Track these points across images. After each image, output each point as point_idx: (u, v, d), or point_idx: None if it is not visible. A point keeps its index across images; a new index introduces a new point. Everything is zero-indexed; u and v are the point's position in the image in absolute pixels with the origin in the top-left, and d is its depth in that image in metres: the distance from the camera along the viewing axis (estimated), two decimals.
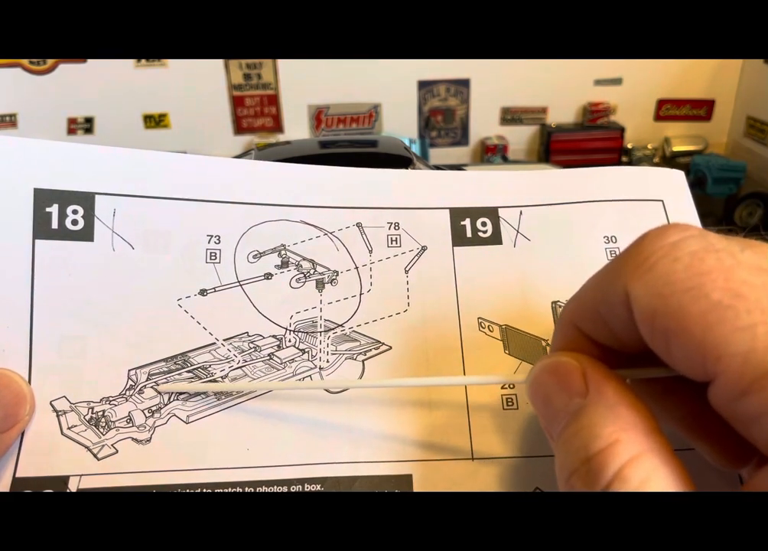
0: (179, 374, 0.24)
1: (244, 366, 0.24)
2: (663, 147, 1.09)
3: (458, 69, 1.04)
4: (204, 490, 0.22)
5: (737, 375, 0.14)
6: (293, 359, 0.25)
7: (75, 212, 0.24)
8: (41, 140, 0.25)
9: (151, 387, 0.24)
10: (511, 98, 1.07)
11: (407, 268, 0.26)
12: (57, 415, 0.23)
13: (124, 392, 0.23)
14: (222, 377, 0.24)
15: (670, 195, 0.28)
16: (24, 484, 0.22)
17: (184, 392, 0.24)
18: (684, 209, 0.27)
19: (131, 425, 0.23)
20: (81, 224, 0.24)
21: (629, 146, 1.08)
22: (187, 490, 0.22)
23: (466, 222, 0.27)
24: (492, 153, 1.08)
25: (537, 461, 0.23)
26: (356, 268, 0.26)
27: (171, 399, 0.24)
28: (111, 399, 0.23)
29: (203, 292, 0.25)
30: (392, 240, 0.26)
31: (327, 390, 0.24)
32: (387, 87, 1.05)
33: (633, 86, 1.06)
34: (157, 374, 0.24)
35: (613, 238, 0.27)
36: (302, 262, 0.26)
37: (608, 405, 0.17)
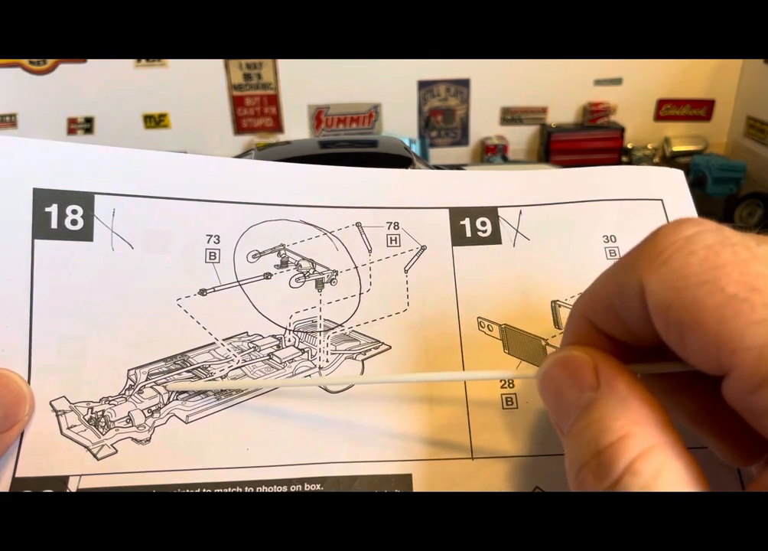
0: (178, 374, 0.24)
1: (243, 365, 0.24)
2: (663, 147, 1.09)
3: (458, 69, 1.04)
4: (204, 490, 0.22)
5: (752, 368, 0.14)
6: (292, 358, 0.25)
7: (74, 212, 0.24)
8: (41, 140, 0.25)
9: (151, 387, 0.24)
10: (511, 98, 1.07)
11: (406, 268, 0.26)
12: (57, 415, 0.23)
13: (123, 392, 0.23)
14: (221, 377, 0.24)
15: (670, 195, 0.28)
16: (23, 484, 0.22)
17: (184, 392, 0.24)
18: (683, 208, 0.27)
19: (130, 424, 0.23)
20: (80, 224, 0.24)
21: (629, 146, 1.08)
22: (187, 490, 0.22)
23: (466, 221, 0.27)
24: (492, 153, 1.08)
25: (537, 460, 0.23)
26: (356, 267, 0.26)
27: (171, 399, 0.24)
28: (110, 399, 0.23)
29: (202, 292, 0.25)
30: (391, 240, 0.26)
31: (326, 390, 0.24)
32: (387, 87, 1.05)
33: (633, 86, 1.06)
34: (156, 374, 0.24)
35: (613, 237, 0.27)
36: (302, 262, 0.26)
37: (619, 399, 0.17)
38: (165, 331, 0.24)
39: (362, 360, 0.25)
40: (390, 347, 0.25)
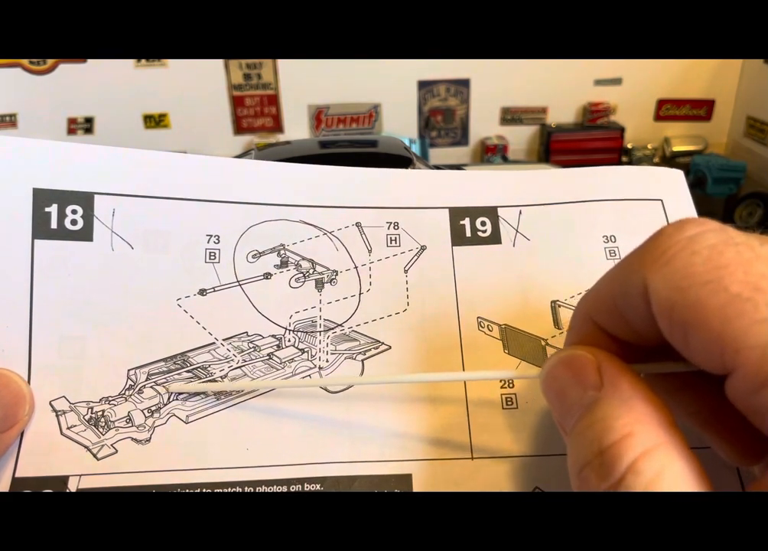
0: (178, 374, 0.24)
1: (243, 365, 0.24)
2: (663, 147, 1.09)
3: (458, 69, 1.04)
4: (204, 490, 0.22)
5: (756, 367, 0.14)
6: (292, 358, 0.25)
7: (74, 212, 0.24)
8: (40, 140, 0.25)
9: (151, 387, 0.24)
10: (511, 98, 1.07)
11: (406, 268, 0.26)
12: (57, 415, 0.23)
13: (123, 392, 0.23)
14: (221, 377, 0.24)
15: (669, 195, 0.28)
16: (23, 484, 0.22)
17: (184, 392, 0.24)
18: (683, 208, 0.27)
19: (130, 424, 0.23)
20: (80, 224, 0.24)
21: (629, 146, 1.08)
22: (187, 490, 0.22)
23: (466, 221, 0.27)
24: (492, 153, 1.08)
25: (537, 460, 0.23)
26: (356, 267, 0.26)
27: (171, 399, 0.24)
28: (110, 399, 0.23)
29: (202, 292, 0.25)
30: (391, 240, 0.26)
31: (326, 390, 0.24)
32: (387, 87, 1.05)
33: (633, 86, 1.06)
34: (156, 374, 0.24)
35: (613, 237, 0.27)
36: (301, 262, 0.26)
37: (622, 398, 0.17)
38: (165, 331, 0.24)
39: (362, 360, 0.25)
40: (390, 347, 0.25)
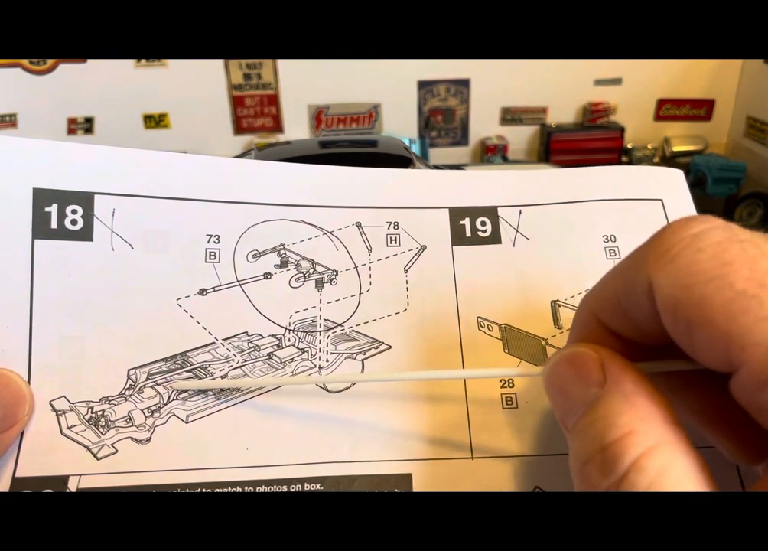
0: (178, 374, 0.24)
1: (243, 365, 0.24)
2: (663, 147, 1.09)
3: (458, 69, 1.04)
4: (204, 490, 0.22)
5: (761, 364, 0.14)
6: (292, 358, 0.25)
7: (74, 212, 0.24)
8: (40, 140, 0.25)
9: (151, 387, 0.24)
10: (511, 98, 1.07)
11: (406, 268, 0.26)
12: (57, 415, 0.23)
13: (123, 391, 0.23)
14: (221, 377, 0.24)
15: (669, 194, 0.28)
16: (23, 483, 0.22)
17: (185, 392, 0.24)
18: (683, 208, 0.27)
19: (130, 424, 0.23)
20: (80, 224, 0.24)
21: (629, 146, 1.08)
22: (187, 490, 0.22)
23: (466, 221, 0.27)
24: (492, 153, 1.08)
25: (537, 459, 0.23)
26: (356, 267, 0.26)
27: (171, 399, 0.24)
28: (110, 398, 0.23)
29: (202, 292, 0.25)
30: (391, 240, 0.26)
31: (326, 390, 0.24)
32: (387, 87, 1.05)
33: (633, 86, 1.06)
34: (156, 374, 0.24)
35: (612, 237, 0.27)
36: (301, 262, 0.26)
37: (625, 395, 0.16)
38: (165, 331, 0.24)
39: (362, 360, 0.25)
40: (390, 346, 0.25)
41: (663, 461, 0.15)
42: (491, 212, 0.27)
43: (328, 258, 0.26)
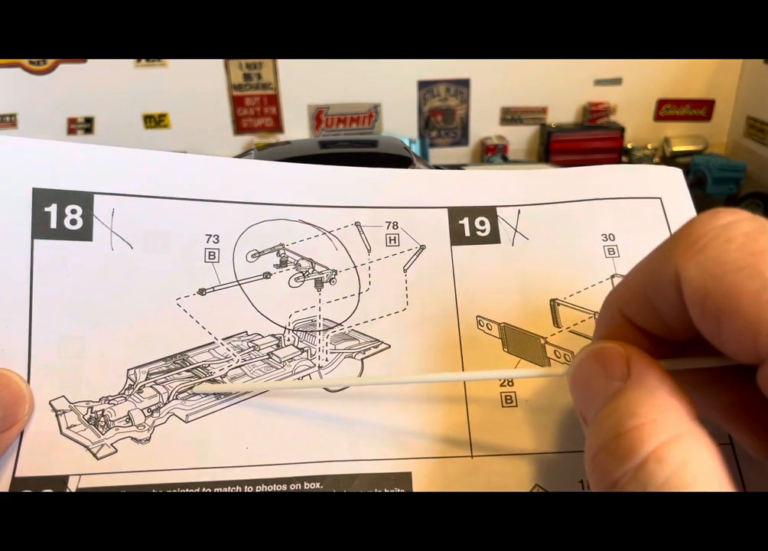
0: (178, 373, 0.24)
1: (243, 365, 0.24)
2: (663, 147, 1.09)
3: (458, 69, 1.04)
4: (204, 489, 0.22)
5: None
6: (292, 358, 0.25)
7: (74, 211, 0.24)
8: (40, 139, 0.25)
9: (150, 386, 0.24)
10: (511, 98, 1.07)
11: (405, 267, 0.26)
12: (56, 415, 0.23)
13: (123, 391, 0.23)
14: (221, 376, 0.24)
15: (668, 193, 0.28)
16: (23, 483, 0.22)
17: (184, 392, 0.24)
18: (682, 206, 0.27)
19: (130, 424, 0.23)
20: (80, 224, 0.24)
21: (629, 146, 1.08)
22: (187, 490, 0.22)
23: (465, 221, 0.27)
24: (492, 153, 1.08)
25: (537, 458, 0.23)
26: (355, 267, 0.26)
27: (170, 399, 0.24)
28: (110, 398, 0.23)
29: (201, 292, 0.25)
30: (390, 239, 0.26)
31: (326, 389, 0.24)
32: (387, 87, 1.05)
33: (633, 86, 1.06)
34: (156, 373, 0.24)
35: (611, 236, 0.27)
36: (301, 261, 0.26)
37: (648, 388, 0.16)
38: (164, 331, 0.24)
39: (362, 359, 0.25)
40: (389, 346, 0.25)
41: (685, 451, 0.15)
42: (490, 212, 0.27)
43: (327, 257, 0.26)
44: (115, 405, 0.23)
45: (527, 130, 1.10)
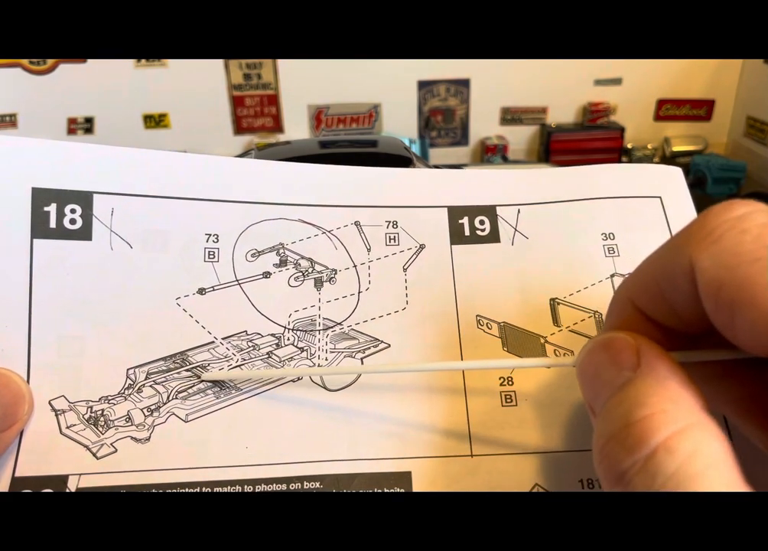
0: (178, 373, 0.24)
1: (243, 364, 0.24)
2: (663, 147, 1.09)
3: (458, 69, 1.04)
4: (203, 489, 0.22)
5: None
6: (291, 357, 0.25)
7: (73, 211, 0.24)
8: (39, 139, 0.25)
9: (150, 386, 0.24)
10: (511, 98, 1.07)
11: (405, 267, 0.26)
12: (56, 415, 0.23)
13: (123, 391, 0.23)
14: None
15: (668, 192, 0.28)
16: (23, 483, 0.22)
17: (183, 391, 0.24)
18: (682, 205, 0.27)
19: (130, 423, 0.23)
20: (79, 223, 0.24)
21: (629, 146, 1.08)
22: (187, 489, 0.22)
23: (464, 220, 0.27)
24: (492, 153, 1.08)
25: (536, 457, 0.23)
26: (355, 266, 0.26)
27: (170, 398, 0.24)
28: (110, 398, 0.23)
29: (201, 291, 0.25)
30: (390, 239, 0.26)
31: (325, 388, 0.24)
32: (387, 87, 1.05)
33: (633, 86, 1.06)
34: (156, 373, 0.24)
35: (611, 235, 0.27)
36: (300, 261, 0.26)
37: (658, 379, 0.16)
38: (164, 330, 0.24)
39: (362, 359, 0.25)
40: (389, 345, 0.25)
41: (694, 443, 0.15)
42: (490, 211, 0.27)
43: (327, 257, 0.26)
44: (114, 404, 0.23)
45: (527, 130, 1.10)
